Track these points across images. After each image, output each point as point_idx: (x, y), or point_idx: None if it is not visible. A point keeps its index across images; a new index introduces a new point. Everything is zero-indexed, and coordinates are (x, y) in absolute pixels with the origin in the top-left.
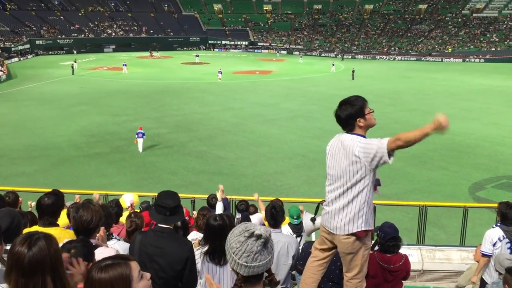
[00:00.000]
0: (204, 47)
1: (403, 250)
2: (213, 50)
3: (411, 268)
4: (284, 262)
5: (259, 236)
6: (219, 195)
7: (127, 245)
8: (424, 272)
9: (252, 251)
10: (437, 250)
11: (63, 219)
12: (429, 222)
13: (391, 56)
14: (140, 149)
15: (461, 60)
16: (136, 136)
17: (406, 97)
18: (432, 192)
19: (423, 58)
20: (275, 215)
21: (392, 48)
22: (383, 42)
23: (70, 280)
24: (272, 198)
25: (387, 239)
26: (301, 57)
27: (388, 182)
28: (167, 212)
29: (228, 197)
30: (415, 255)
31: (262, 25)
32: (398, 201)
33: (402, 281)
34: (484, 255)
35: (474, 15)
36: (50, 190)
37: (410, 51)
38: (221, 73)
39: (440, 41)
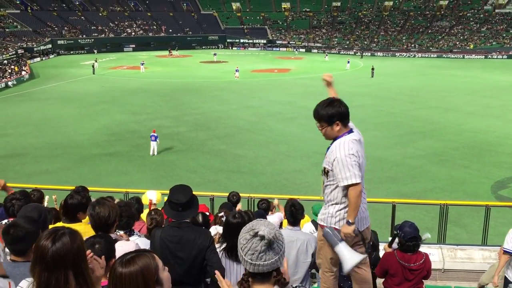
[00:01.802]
0: (222, 46)
1: (423, 249)
2: (232, 48)
3: (432, 267)
4: (303, 260)
5: (262, 237)
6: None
7: (148, 241)
8: (445, 271)
9: (256, 250)
10: (459, 249)
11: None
12: (450, 221)
13: (411, 53)
14: (152, 152)
15: (483, 56)
16: (150, 139)
17: (427, 94)
18: (453, 191)
19: (444, 55)
20: (294, 213)
21: (412, 45)
22: (403, 39)
23: (91, 274)
24: (291, 197)
25: (407, 238)
26: (326, 55)
27: (408, 181)
28: (179, 207)
29: (247, 195)
30: (436, 254)
31: (281, 23)
32: (418, 199)
33: (423, 281)
34: (506, 252)
35: (496, 10)
36: (73, 187)
37: (431, 48)
38: (238, 72)
39: (461, 37)
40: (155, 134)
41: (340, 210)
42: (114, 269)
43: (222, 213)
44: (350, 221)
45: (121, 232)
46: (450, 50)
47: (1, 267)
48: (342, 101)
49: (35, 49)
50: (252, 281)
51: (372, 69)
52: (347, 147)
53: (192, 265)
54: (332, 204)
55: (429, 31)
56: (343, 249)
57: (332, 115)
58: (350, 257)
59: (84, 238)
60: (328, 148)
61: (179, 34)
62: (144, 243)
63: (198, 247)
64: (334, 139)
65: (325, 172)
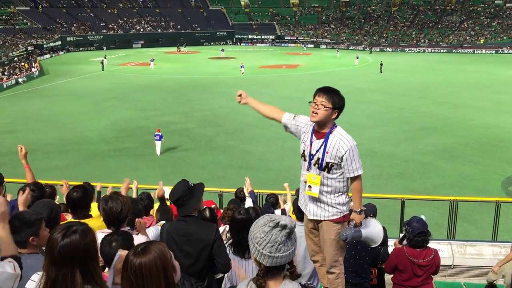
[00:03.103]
0: (231, 42)
1: (432, 245)
2: (240, 44)
3: (441, 264)
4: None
5: (284, 227)
6: (246, 188)
7: (159, 229)
8: (454, 267)
9: (276, 241)
10: (468, 245)
11: (94, 210)
12: (460, 217)
13: (421, 49)
14: (158, 152)
15: (493, 51)
16: (155, 138)
17: (436, 90)
18: (463, 187)
19: (454, 50)
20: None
21: (422, 40)
22: (412, 34)
23: (118, 264)
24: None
25: (415, 233)
26: (337, 51)
27: (417, 177)
28: (175, 204)
29: (256, 191)
30: (445, 250)
31: (289, 18)
32: (428, 195)
33: (432, 276)
34: None
35: (507, 5)
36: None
37: (441, 43)
38: (243, 68)
39: (472, 32)
40: (160, 134)
41: (347, 196)
42: (130, 261)
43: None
44: (360, 209)
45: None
46: (460, 45)
47: (12, 246)
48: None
49: (44, 46)
50: (266, 276)
51: (381, 64)
52: (351, 138)
53: (198, 259)
54: (339, 195)
55: (439, 26)
56: (368, 231)
57: (342, 102)
58: (376, 230)
59: (98, 231)
60: (323, 144)
61: (187, 30)
62: (155, 234)
63: (203, 240)
64: (328, 131)
65: (328, 167)
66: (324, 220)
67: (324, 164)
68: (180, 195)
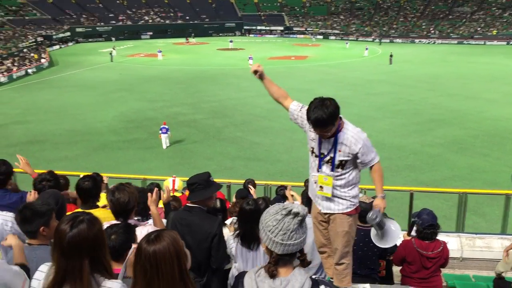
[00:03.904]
0: (239, 33)
1: (441, 237)
2: (248, 35)
3: (450, 256)
4: None
5: (296, 214)
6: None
7: (165, 221)
8: (463, 260)
9: (288, 229)
10: (477, 238)
11: (103, 200)
12: (469, 210)
13: (431, 40)
14: (164, 145)
15: (505, 43)
16: (160, 131)
17: (447, 81)
18: (472, 179)
19: (465, 42)
20: (311, 199)
21: (432, 31)
22: (422, 25)
23: (132, 257)
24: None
25: (425, 226)
26: (347, 42)
27: (426, 169)
28: (188, 188)
29: (264, 182)
30: (454, 243)
31: (298, 9)
32: (436, 188)
33: (441, 269)
34: None
35: None
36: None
37: (451, 34)
38: (251, 59)
39: (483, 23)
40: (166, 126)
41: (358, 188)
42: (144, 249)
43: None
44: (383, 195)
45: (139, 217)
46: (471, 36)
47: (22, 255)
48: (325, 98)
49: (54, 37)
50: (277, 264)
51: (391, 56)
52: (360, 130)
53: (197, 250)
54: (352, 188)
55: (450, 17)
56: (390, 227)
57: (336, 114)
58: (396, 233)
59: (105, 223)
60: (333, 143)
61: (195, 21)
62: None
63: (204, 232)
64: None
65: (342, 165)
66: (337, 213)
67: (337, 163)
68: (196, 181)
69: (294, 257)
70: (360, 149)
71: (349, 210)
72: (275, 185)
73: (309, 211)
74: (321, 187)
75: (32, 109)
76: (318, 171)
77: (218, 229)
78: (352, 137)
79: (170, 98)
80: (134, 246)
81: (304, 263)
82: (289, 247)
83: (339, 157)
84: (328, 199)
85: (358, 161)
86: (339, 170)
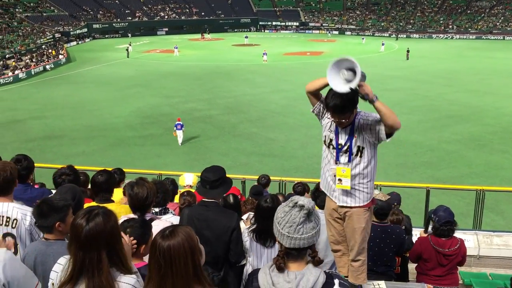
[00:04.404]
0: (254, 29)
1: (458, 234)
2: (264, 31)
3: (467, 254)
4: None
5: (301, 207)
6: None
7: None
8: (480, 258)
9: (294, 221)
10: (495, 236)
11: (117, 195)
12: (486, 207)
13: (449, 35)
14: (180, 142)
15: None
16: (175, 128)
17: (464, 77)
18: (490, 177)
19: (483, 37)
20: (317, 195)
21: (450, 26)
22: (440, 20)
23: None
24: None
25: (441, 223)
26: (363, 38)
27: (443, 166)
28: (207, 185)
29: (278, 178)
30: (471, 240)
31: (314, 5)
32: (453, 185)
33: (457, 267)
34: None
35: None
36: (111, 169)
37: (470, 29)
38: (266, 55)
39: (502, 18)
40: (181, 123)
41: (373, 181)
42: (159, 244)
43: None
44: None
45: (156, 210)
46: (490, 31)
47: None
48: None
49: (71, 33)
50: (287, 258)
51: (407, 51)
52: (368, 112)
53: (216, 245)
54: (369, 181)
55: (468, 12)
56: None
57: (354, 99)
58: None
59: (122, 217)
60: (350, 132)
61: (211, 17)
62: (178, 222)
63: (223, 227)
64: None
65: (360, 151)
66: (354, 208)
67: (354, 151)
68: (220, 176)
69: (303, 252)
70: (375, 118)
71: (366, 203)
72: (290, 181)
73: (320, 207)
74: (339, 180)
75: (50, 105)
76: (336, 163)
77: (237, 223)
78: (365, 115)
79: (186, 94)
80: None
81: (315, 261)
82: (295, 240)
83: (355, 144)
84: (346, 192)
85: (376, 130)
86: (357, 158)
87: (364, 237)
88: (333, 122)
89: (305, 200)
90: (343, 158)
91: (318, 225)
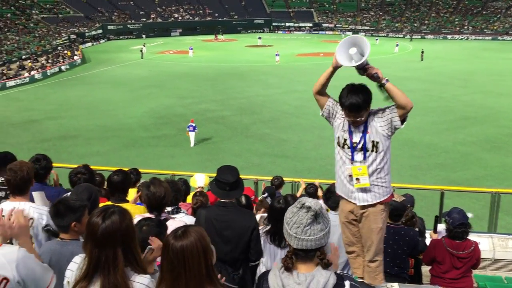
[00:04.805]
0: (268, 30)
1: (473, 237)
2: (277, 32)
3: (482, 257)
4: None
5: (308, 208)
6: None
7: (194, 219)
8: (495, 261)
9: (302, 222)
10: (510, 239)
11: (132, 195)
12: (502, 210)
13: (464, 36)
14: (192, 143)
15: None
16: (187, 129)
17: (480, 78)
18: (506, 179)
19: (499, 37)
20: (328, 197)
21: (465, 27)
22: (455, 21)
23: (149, 255)
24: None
25: (455, 225)
26: (377, 39)
27: (458, 168)
28: (227, 187)
29: (291, 179)
30: (486, 243)
31: (327, 5)
32: (468, 187)
33: (472, 270)
34: None
35: None
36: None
37: (485, 30)
38: (278, 56)
39: None
40: (194, 124)
41: (390, 174)
42: (171, 244)
43: (265, 195)
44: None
45: (169, 209)
46: (506, 32)
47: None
48: (356, 83)
49: (86, 34)
50: (296, 259)
51: (422, 52)
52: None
53: (237, 245)
54: (386, 175)
55: (484, 12)
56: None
57: (370, 97)
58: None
59: (137, 217)
60: (364, 129)
61: (224, 18)
62: (190, 221)
63: (244, 227)
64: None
65: (375, 146)
66: (374, 204)
67: (369, 147)
68: (238, 177)
69: (310, 254)
70: (391, 113)
71: (385, 198)
72: (309, 182)
73: (332, 208)
74: (357, 179)
75: (65, 105)
76: (351, 163)
77: (256, 223)
78: (374, 109)
79: (199, 95)
80: (149, 247)
81: (323, 263)
82: (303, 241)
83: (370, 139)
84: (365, 190)
85: (390, 118)
86: (373, 154)
87: (382, 237)
88: (345, 122)
89: (313, 202)
90: (358, 156)
91: (327, 227)
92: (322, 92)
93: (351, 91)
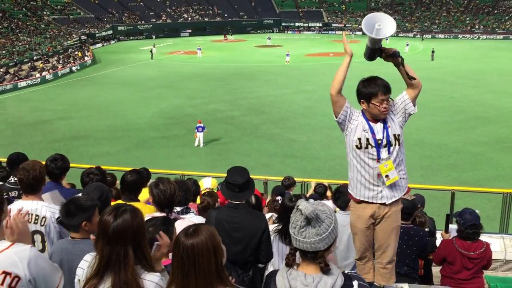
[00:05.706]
0: (277, 30)
1: (484, 238)
2: (286, 32)
3: (493, 258)
4: None
5: (300, 211)
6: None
7: (204, 219)
8: (506, 262)
9: (297, 224)
10: None
11: (144, 195)
12: None
13: (475, 35)
14: (201, 144)
15: None
16: (196, 130)
17: (491, 78)
18: None
19: (510, 37)
20: (338, 197)
21: (477, 27)
22: (466, 20)
23: (157, 251)
24: (345, 182)
25: (467, 225)
26: (387, 38)
27: (469, 168)
28: (236, 188)
29: (301, 179)
30: (498, 244)
31: (337, 5)
32: (479, 187)
33: (483, 270)
34: None
35: None
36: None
37: (497, 29)
38: (288, 56)
39: None
40: (202, 125)
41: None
42: (182, 242)
43: (278, 198)
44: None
45: (178, 209)
46: None
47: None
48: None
49: (97, 35)
50: (302, 259)
51: (432, 52)
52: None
53: (247, 246)
54: (405, 166)
55: (495, 11)
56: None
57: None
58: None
59: (147, 216)
60: (384, 124)
61: (234, 19)
62: (200, 221)
63: (254, 228)
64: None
65: (397, 139)
66: (397, 202)
67: (392, 140)
68: (248, 178)
69: (308, 255)
70: (404, 102)
71: (406, 189)
72: (311, 182)
73: (341, 208)
74: (386, 176)
75: (75, 105)
76: (378, 162)
77: (267, 224)
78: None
79: (209, 95)
80: (156, 243)
81: (320, 267)
82: (298, 242)
83: (392, 132)
84: (391, 187)
85: (405, 106)
86: (396, 147)
87: (398, 235)
88: (364, 122)
89: (307, 206)
90: (384, 153)
91: (325, 233)
92: (341, 90)
93: (372, 78)
